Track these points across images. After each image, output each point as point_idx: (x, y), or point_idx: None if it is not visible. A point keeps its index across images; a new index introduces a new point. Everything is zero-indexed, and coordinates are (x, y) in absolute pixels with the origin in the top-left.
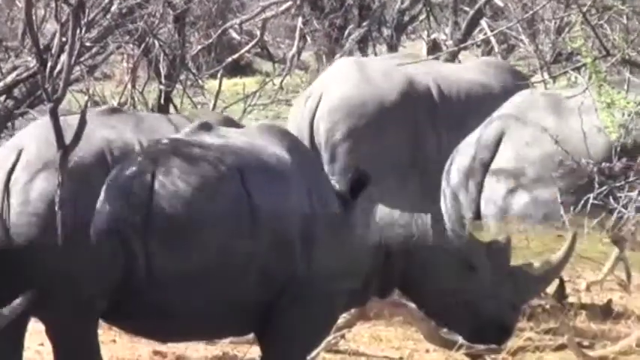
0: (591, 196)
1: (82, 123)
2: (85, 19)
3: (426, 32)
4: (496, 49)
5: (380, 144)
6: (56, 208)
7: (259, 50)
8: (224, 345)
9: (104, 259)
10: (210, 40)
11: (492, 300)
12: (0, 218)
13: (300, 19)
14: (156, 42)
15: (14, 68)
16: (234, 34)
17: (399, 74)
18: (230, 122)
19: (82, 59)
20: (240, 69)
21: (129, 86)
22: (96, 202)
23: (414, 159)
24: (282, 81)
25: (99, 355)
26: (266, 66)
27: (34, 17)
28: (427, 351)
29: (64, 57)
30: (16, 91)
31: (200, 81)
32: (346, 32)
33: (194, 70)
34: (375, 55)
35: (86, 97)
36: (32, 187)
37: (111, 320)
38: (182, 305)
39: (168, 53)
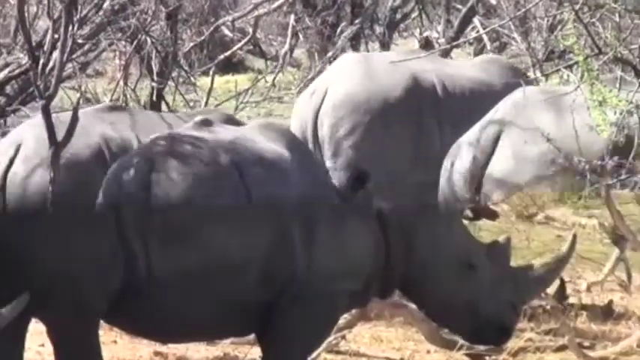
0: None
1: (74, 120)
2: (78, 16)
3: (418, 30)
4: (488, 47)
5: (384, 140)
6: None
7: (251, 47)
8: (225, 346)
9: (104, 258)
10: (203, 38)
11: (492, 300)
12: None
13: (292, 17)
14: (148, 39)
15: (6, 65)
16: (226, 32)
17: (403, 70)
18: (230, 120)
19: (74, 56)
20: (232, 66)
21: (121, 83)
22: (95, 201)
23: (418, 155)
24: (274, 78)
25: (100, 356)
26: (258, 63)
27: (26, 14)
28: (428, 352)
29: (56, 54)
30: (8, 88)
31: (192, 78)
32: (338, 30)
33: (186, 68)
34: (368, 52)
35: (78, 94)
36: (30, 183)
37: (112, 321)
38: (182, 305)
39: (160, 50)
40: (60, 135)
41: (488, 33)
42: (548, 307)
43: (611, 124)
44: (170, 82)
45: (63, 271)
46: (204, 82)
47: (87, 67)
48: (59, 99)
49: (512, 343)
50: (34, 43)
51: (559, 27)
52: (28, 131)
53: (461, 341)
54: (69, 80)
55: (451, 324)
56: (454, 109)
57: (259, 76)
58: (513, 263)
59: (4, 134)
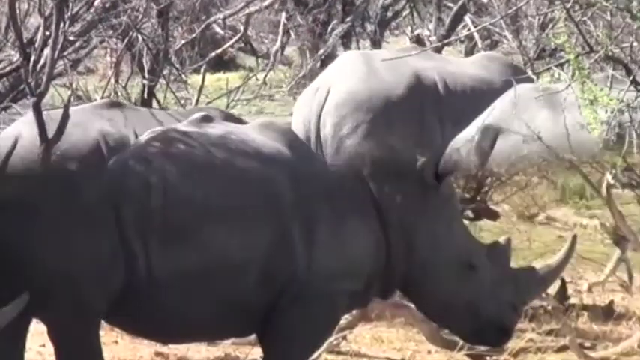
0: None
1: (65, 117)
2: (69, 13)
3: (409, 28)
4: (479, 45)
5: (386, 138)
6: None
7: (243, 45)
8: (226, 346)
9: (104, 258)
10: (194, 35)
11: (493, 301)
12: None
13: (283, 15)
14: (139, 36)
15: None
16: (217, 29)
17: (405, 68)
18: (231, 118)
19: (65, 53)
20: (223, 64)
21: (112, 80)
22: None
23: (420, 153)
24: (265, 76)
25: (101, 356)
26: (249, 61)
27: (17, 11)
28: (429, 352)
29: (47, 51)
30: None
31: (183, 76)
32: (330, 28)
33: (177, 65)
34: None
35: (69, 92)
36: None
37: (112, 321)
38: (183, 306)
39: (151, 48)
40: (51, 133)
41: (480, 31)
42: (550, 307)
43: (602, 123)
44: (161, 80)
45: (63, 271)
46: (195, 79)
47: (78, 65)
48: (50, 96)
49: (513, 344)
50: (25, 40)
51: (550, 25)
52: (24, 128)
53: (461, 342)
54: (60, 77)
55: (451, 324)
56: (456, 106)
57: (250, 74)
58: (514, 264)
59: None
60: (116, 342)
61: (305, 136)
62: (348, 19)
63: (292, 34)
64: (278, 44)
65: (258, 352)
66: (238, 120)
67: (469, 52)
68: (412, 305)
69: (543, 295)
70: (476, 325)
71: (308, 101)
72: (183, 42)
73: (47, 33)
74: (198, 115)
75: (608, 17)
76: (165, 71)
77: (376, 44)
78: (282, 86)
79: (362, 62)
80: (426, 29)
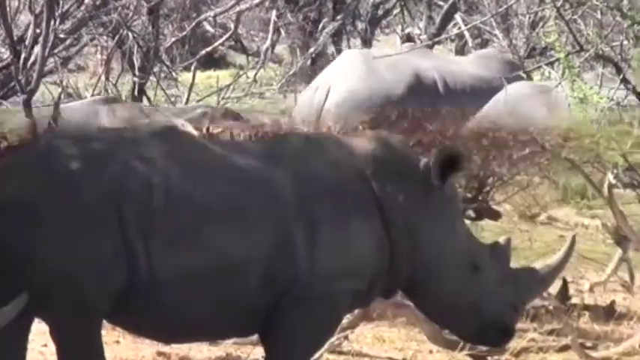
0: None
1: (56, 115)
2: (59, 11)
3: (400, 26)
4: (470, 44)
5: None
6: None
7: (233, 43)
8: (227, 346)
9: (106, 259)
10: (184, 33)
11: (495, 301)
12: None
13: (274, 13)
14: (130, 34)
15: None
16: (208, 27)
17: (405, 67)
18: (231, 115)
19: (55, 51)
20: (213, 62)
21: (102, 78)
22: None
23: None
24: (255, 74)
25: (102, 356)
26: (240, 59)
27: (7, 8)
28: (430, 352)
29: (37, 48)
30: None
31: (174, 73)
32: (320, 26)
33: (168, 63)
34: (350, 49)
35: (60, 89)
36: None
37: (114, 321)
38: (184, 306)
39: (142, 45)
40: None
41: (470, 30)
42: (551, 307)
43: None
44: (152, 77)
45: (65, 271)
46: (185, 77)
47: (68, 62)
48: (40, 93)
49: (515, 344)
50: (15, 38)
51: (541, 24)
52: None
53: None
54: (50, 75)
55: (453, 325)
56: (455, 104)
57: (241, 72)
58: (516, 263)
59: None
60: (118, 342)
61: None
62: (338, 17)
63: (283, 32)
64: (268, 42)
65: (259, 352)
66: (239, 116)
67: (460, 51)
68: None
69: (545, 295)
70: (478, 325)
71: (308, 100)
72: (173, 40)
73: (37, 30)
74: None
75: (599, 16)
76: (156, 69)
77: (367, 42)
78: (273, 84)
79: (362, 61)
80: (416, 28)
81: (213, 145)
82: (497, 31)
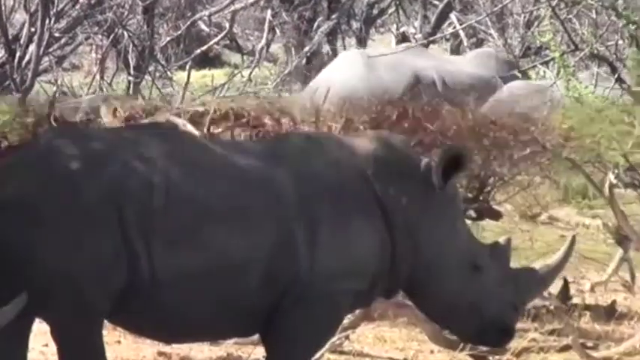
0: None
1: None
2: (54, 10)
3: (395, 26)
4: (465, 43)
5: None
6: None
7: (228, 42)
8: (228, 346)
9: (107, 259)
10: (179, 32)
11: (495, 301)
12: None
13: (269, 12)
14: (125, 33)
15: None
16: (203, 26)
17: (404, 68)
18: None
19: (50, 50)
20: (208, 61)
21: (97, 77)
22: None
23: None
24: (250, 73)
25: (103, 356)
26: (235, 58)
27: (3, 7)
28: (431, 352)
29: (32, 47)
30: None
31: (169, 72)
32: (315, 25)
33: (163, 62)
34: (344, 48)
35: (55, 88)
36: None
37: (115, 321)
38: (185, 306)
39: (137, 44)
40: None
41: (465, 29)
42: (552, 307)
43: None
44: (146, 76)
45: (66, 271)
46: (180, 76)
47: (63, 61)
48: (35, 92)
49: (516, 344)
50: (10, 37)
51: (536, 23)
52: None
53: None
54: (45, 74)
55: (454, 325)
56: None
57: (236, 71)
58: (517, 263)
59: None
60: (119, 342)
61: None
62: (333, 16)
63: (278, 31)
64: (263, 41)
65: (260, 351)
66: None
67: (455, 50)
68: None
69: (546, 295)
70: (478, 325)
71: (307, 101)
72: (168, 39)
73: (32, 29)
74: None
75: (594, 15)
76: (151, 68)
77: (361, 42)
78: (268, 83)
79: (361, 62)
80: (411, 27)
81: (213, 144)
82: (492, 31)
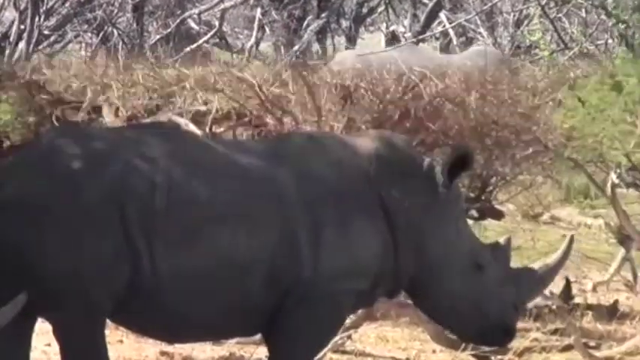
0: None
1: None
2: (44, 8)
3: (384, 24)
4: (454, 42)
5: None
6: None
7: (218, 40)
8: (231, 345)
9: (109, 258)
10: (169, 30)
11: (496, 301)
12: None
13: (258, 10)
14: (114, 31)
15: None
16: (192, 24)
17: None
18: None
19: (40, 47)
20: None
21: None
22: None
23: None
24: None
25: (106, 355)
26: (224, 56)
27: None
28: (434, 351)
29: (22, 45)
30: None
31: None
32: (305, 23)
33: (152, 60)
34: (334, 47)
35: None
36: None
37: (117, 320)
38: (188, 306)
39: (126, 42)
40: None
41: (455, 27)
42: (554, 307)
43: None
44: None
45: (68, 271)
46: None
47: (53, 59)
48: None
49: (518, 343)
50: (0, 34)
51: (525, 22)
52: None
53: None
54: None
55: (455, 325)
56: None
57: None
58: (519, 263)
59: None
60: (121, 341)
61: None
62: (323, 15)
63: (267, 29)
64: (253, 40)
65: (263, 351)
66: None
67: (444, 49)
68: None
69: (548, 294)
70: (480, 325)
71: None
72: (158, 37)
73: (22, 27)
74: None
75: (583, 14)
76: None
77: (351, 40)
78: None
79: (358, 62)
80: (401, 25)
81: (216, 144)
82: (481, 29)
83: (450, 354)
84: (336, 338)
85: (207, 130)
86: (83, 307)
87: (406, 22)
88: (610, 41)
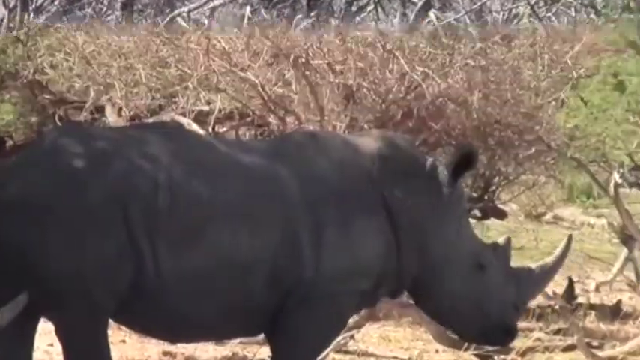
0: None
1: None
2: (33, 5)
3: (373, 23)
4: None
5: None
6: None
7: None
8: (233, 345)
9: (112, 258)
10: (158, 29)
11: (498, 301)
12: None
13: (248, 8)
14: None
15: None
16: (181, 23)
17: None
18: None
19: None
20: None
21: None
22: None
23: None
24: None
25: (109, 355)
26: None
27: None
28: (436, 351)
29: None
30: None
31: None
32: (294, 22)
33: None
34: None
35: None
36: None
37: (120, 320)
38: (190, 305)
39: None
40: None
41: (444, 27)
42: (557, 306)
43: None
44: None
45: (71, 271)
46: None
47: None
48: None
49: (521, 343)
50: None
51: (515, 21)
52: None
53: None
54: None
55: (456, 325)
56: None
57: None
58: (522, 263)
59: None
60: (124, 341)
61: None
62: (312, 13)
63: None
64: None
65: (265, 351)
66: None
67: None
68: None
69: (551, 294)
70: (482, 325)
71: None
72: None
73: (11, 25)
74: None
75: (573, 13)
76: None
77: None
78: None
79: None
80: (390, 24)
81: (218, 144)
82: (471, 29)
83: (453, 354)
84: (339, 338)
85: (210, 129)
86: (86, 306)
87: (395, 21)
88: None
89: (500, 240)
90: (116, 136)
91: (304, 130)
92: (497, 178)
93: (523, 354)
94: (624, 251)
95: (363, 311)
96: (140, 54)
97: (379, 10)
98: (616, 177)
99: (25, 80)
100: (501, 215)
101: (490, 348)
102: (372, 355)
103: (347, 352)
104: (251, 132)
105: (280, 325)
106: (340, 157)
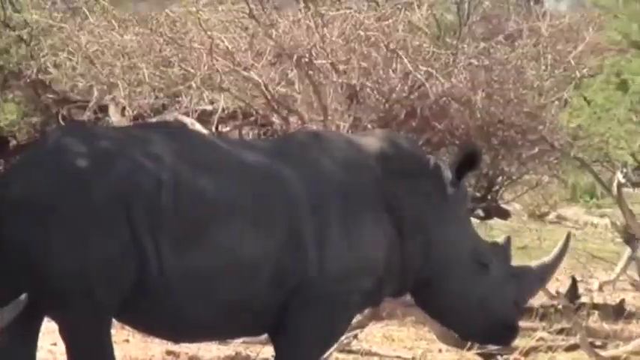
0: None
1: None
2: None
3: None
4: None
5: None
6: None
7: None
8: (237, 345)
9: (115, 257)
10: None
11: (499, 300)
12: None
13: None
14: None
15: None
16: None
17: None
18: None
19: None
20: None
21: None
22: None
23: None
24: None
25: (112, 354)
26: None
27: None
28: (440, 351)
29: None
30: None
31: None
32: None
33: None
34: None
35: None
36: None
37: (124, 319)
38: (194, 305)
39: None
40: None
41: None
42: (560, 306)
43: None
44: None
45: (74, 270)
46: None
47: None
48: None
49: (524, 343)
50: None
51: None
52: None
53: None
54: None
55: (458, 325)
56: None
57: None
58: (525, 262)
59: None
60: (127, 340)
61: None
62: None
63: None
64: None
65: (269, 351)
66: None
67: None
68: None
69: (554, 294)
70: (482, 324)
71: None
72: None
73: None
74: None
75: None
76: None
77: None
78: None
79: None
80: None
81: (222, 143)
82: None
83: (456, 353)
84: (342, 338)
85: (214, 129)
86: (89, 306)
87: None
88: None
89: (499, 239)
90: (119, 136)
91: (308, 130)
92: (500, 177)
93: (526, 353)
94: (627, 251)
95: (366, 311)
96: (143, 53)
97: None
98: (619, 176)
99: (28, 80)
100: (505, 215)
101: (493, 347)
102: (375, 354)
103: (350, 351)
104: (254, 131)
105: (284, 324)
106: (344, 156)
